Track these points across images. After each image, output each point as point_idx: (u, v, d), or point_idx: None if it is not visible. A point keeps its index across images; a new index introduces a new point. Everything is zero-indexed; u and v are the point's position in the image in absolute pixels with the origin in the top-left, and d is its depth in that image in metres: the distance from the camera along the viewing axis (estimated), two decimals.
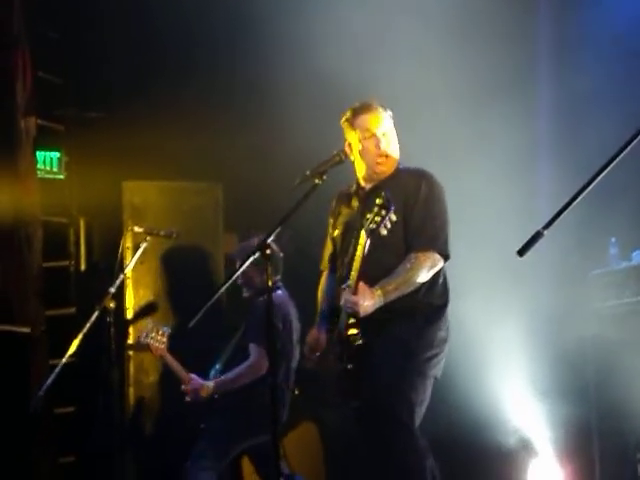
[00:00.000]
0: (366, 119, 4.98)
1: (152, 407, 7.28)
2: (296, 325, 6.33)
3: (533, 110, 7.16)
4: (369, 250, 4.55)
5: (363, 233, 4.52)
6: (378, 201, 4.46)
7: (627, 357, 5.92)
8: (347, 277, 4.71)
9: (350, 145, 5.00)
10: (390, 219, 4.45)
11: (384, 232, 4.47)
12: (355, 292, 4.61)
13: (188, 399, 6.26)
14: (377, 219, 4.44)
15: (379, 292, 4.68)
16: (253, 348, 6.18)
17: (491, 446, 6.60)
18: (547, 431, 6.59)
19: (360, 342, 4.69)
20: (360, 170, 5.04)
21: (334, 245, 5.20)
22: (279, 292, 6.27)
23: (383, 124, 4.99)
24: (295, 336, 6.31)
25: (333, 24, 6.81)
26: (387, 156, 4.97)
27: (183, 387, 6.27)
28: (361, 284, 4.61)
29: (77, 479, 7.07)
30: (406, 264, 4.77)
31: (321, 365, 4.96)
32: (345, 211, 5.17)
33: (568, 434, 6.49)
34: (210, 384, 6.24)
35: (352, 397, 4.88)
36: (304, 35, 6.79)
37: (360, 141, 4.97)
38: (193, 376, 6.28)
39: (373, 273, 4.68)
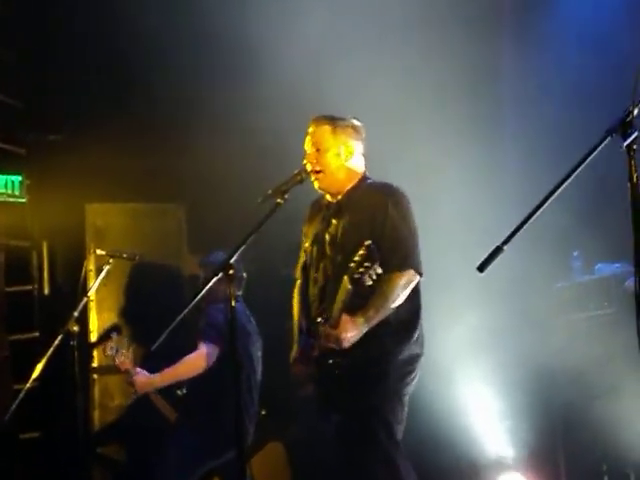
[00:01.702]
0: (348, 130, 5.02)
1: (118, 430, 7.23)
2: (256, 341, 6.32)
3: (498, 108, 7.18)
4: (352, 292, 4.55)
5: (346, 279, 4.50)
6: (362, 251, 4.43)
7: (592, 369, 5.95)
8: (325, 310, 4.72)
9: (322, 152, 4.99)
10: (375, 271, 4.43)
11: (369, 282, 4.46)
12: (336, 326, 4.61)
13: (134, 395, 6.22)
14: (361, 270, 4.41)
15: (361, 320, 4.66)
16: (199, 345, 6.16)
17: (460, 462, 6.60)
18: (514, 446, 6.60)
19: (336, 372, 4.70)
20: (326, 179, 5.03)
21: (305, 255, 5.21)
22: (237, 304, 6.20)
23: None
24: (255, 350, 6.29)
25: (291, 35, 6.82)
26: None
27: (127, 380, 6.23)
28: (344, 316, 4.60)
29: None
30: (382, 286, 4.73)
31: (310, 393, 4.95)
32: (315, 222, 5.17)
33: (535, 448, 6.50)
34: (155, 377, 6.20)
35: (331, 412, 4.88)
36: (266, 48, 6.79)
37: (339, 152, 4.99)
38: (139, 370, 6.25)
39: (356, 309, 4.69)
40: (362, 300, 4.70)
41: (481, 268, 3.23)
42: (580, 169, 3.20)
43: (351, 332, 4.63)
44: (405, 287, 4.79)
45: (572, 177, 3.21)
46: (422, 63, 6.66)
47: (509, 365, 6.54)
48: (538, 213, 3.21)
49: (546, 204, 3.21)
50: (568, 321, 6.40)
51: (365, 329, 4.67)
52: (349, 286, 4.49)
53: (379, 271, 4.43)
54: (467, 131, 6.66)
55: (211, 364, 6.09)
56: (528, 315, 6.55)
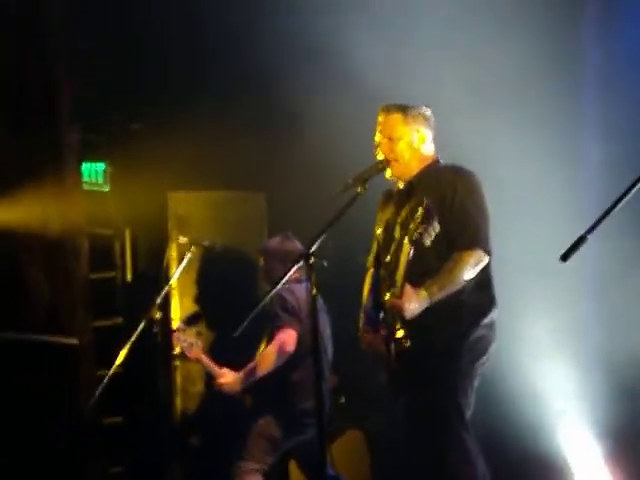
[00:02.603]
0: (419, 118, 5.01)
1: (199, 416, 7.30)
2: (324, 318, 6.32)
3: (579, 93, 7.07)
4: (413, 256, 4.55)
5: (407, 242, 4.52)
6: (420, 211, 4.46)
7: None
8: (392, 282, 4.71)
9: (395, 140, 4.99)
10: (434, 229, 4.45)
11: (428, 242, 4.48)
12: (400, 296, 4.61)
13: (224, 392, 6.25)
14: (420, 230, 4.44)
15: (424, 293, 4.67)
16: (277, 333, 6.17)
17: (537, 451, 6.54)
18: (598, 439, 6.52)
19: (407, 344, 4.68)
20: (400, 167, 5.04)
21: (378, 243, 5.22)
22: (303, 284, 6.20)
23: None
24: (324, 328, 6.29)
25: (364, 29, 6.80)
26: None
27: (216, 382, 6.27)
28: (407, 287, 4.60)
29: None
30: (450, 263, 4.77)
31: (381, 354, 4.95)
32: (387, 209, 5.19)
33: (619, 442, 6.42)
34: (240, 375, 6.22)
35: (401, 394, 4.89)
36: (342, 44, 6.79)
37: (411, 139, 4.99)
38: (225, 370, 6.28)
39: (418, 275, 4.68)
40: (425, 267, 4.69)
41: (564, 257, 3.20)
42: None
43: (414, 303, 4.62)
44: (473, 266, 4.79)
45: None
46: (499, 48, 6.59)
47: (591, 356, 6.47)
48: (624, 201, 3.17)
49: (632, 192, 3.17)
50: None
51: (427, 304, 4.67)
52: (409, 248, 4.49)
53: (437, 228, 4.45)
54: (545, 117, 6.57)
55: (293, 349, 6.10)
56: (609, 307, 6.45)
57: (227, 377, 6.23)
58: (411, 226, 4.49)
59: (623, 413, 6.28)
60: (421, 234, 4.44)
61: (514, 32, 6.51)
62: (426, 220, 4.43)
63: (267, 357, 6.13)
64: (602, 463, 6.44)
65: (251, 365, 6.19)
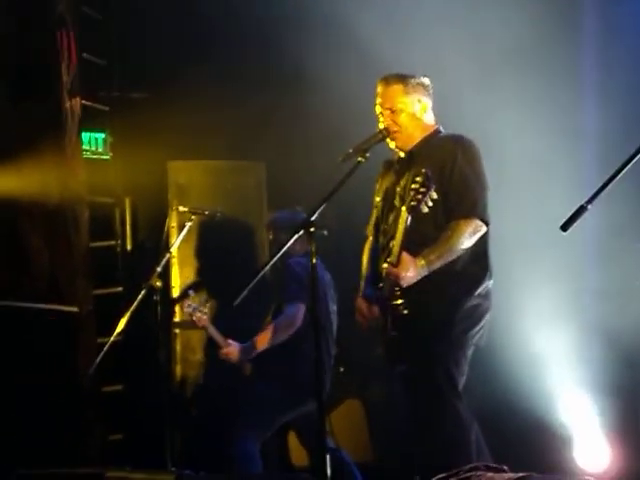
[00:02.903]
0: (419, 88, 5.01)
1: (199, 384, 7.33)
2: (331, 294, 6.33)
3: (579, 62, 7.05)
4: (411, 224, 4.56)
5: (404, 209, 4.53)
6: (419, 179, 4.47)
7: None
8: (389, 250, 4.73)
9: (397, 112, 4.99)
10: (431, 197, 4.47)
11: (425, 210, 4.50)
12: (397, 264, 4.62)
13: (229, 362, 6.26)
14: (418, 196, 4.45)
15: (422, 262, 4.70)
16: (287, 305, 6.19)
17: (537, 419, 6.56)
18: (597, 415, 6.53)
19: (405, 312, 4.70)
20: (403, 138, 5.04)
21: (377, 211, 5.23)
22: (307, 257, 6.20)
23: None
24: (331, 303, 6.31)
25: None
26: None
27: (221, 352, 6.29)
28: (404, 255, 4.63)
29: (126, 457, 7.14)
30: (447, 232, 4.79)
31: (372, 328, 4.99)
32: (387, 178, 5.21)
33: (618, 418, 6.44)
34: (247, 346, 6.25)
35: (397, 362, 4.92)
36: (341, 13, 6.76)
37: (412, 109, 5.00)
38: (231, 341, 6.30)
39: (415, 245, 4.69)
40: (422, 237, 4.71)
41: (564, 227, 3.22)
42: None
43: (411, 272, 4.65)
44: (471, 235, 4.81)
45: None
46: (499, 26, 6.57)
47: (591, 330, 6.47)
48: (624, 172, 3.18)
49: (631, 163, 3.18)
50: None
51: (425, 272, 4.70)
52: (407, 215, 4.51)
53: (435, 196, 4.47)
54: (545, 87, 6.55)
55: (301, 323, 6.12)
56: (611, 278, 6.45)
57: (232, 348, 6.25)
58: (410, 192, 4.50)
59: (622, 381, 6.29)
60: (419, 201, 4.46)
61: (515, 9, 6.51)
62: (424, 187, 4.45)
63: (276, 330, 6.16)
64: (601, 430, 6.46)
65: (258, 337, 6.21)
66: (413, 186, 4.48)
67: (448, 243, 4.77)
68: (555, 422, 6.54)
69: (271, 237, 6.50)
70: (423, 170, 4.49)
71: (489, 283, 4.97)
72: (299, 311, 6.12)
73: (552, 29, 6.59)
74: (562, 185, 6.18)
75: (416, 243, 4.68)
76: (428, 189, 4.45)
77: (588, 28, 6.92)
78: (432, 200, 4.49)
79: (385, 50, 6.33)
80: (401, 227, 4.59)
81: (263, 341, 6.18)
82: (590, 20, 6.90)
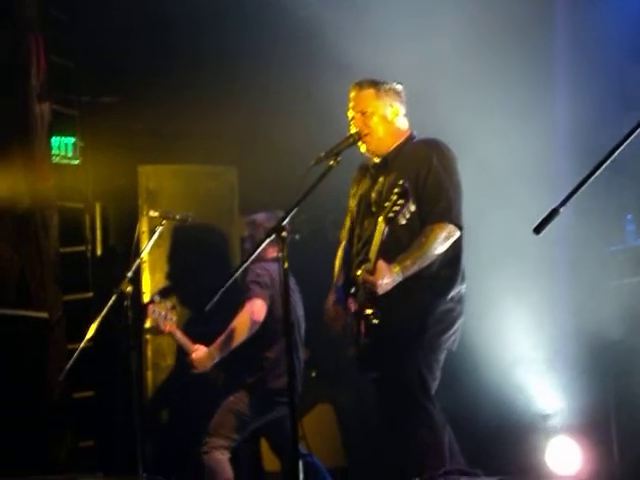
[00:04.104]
0: (391, 93, 5.03)
1: (170, 391, 7.30)
2: (296, 298, 6.33)
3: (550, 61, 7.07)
4: (387, 233, 4.57)
5: (381, 220, 4.53)
6: (397, 190, 4.47)
7: None
8: (365, 257, 4.73)
9: (368, 115, 5.00)
10: (409, 209, 4.47)
11: (402, 221, 4.50)
12: (373, 272, 4.62)
13: (195, 371, 6.25)
14: (395, 208, 4.46)
15: (397, 269, 4.70)
16: (246, 303, 6.18)
17: (509, 422, 6.58)
18: (566, 411, 6.56)
19: (376, 321, 4.70)
20: (374, 142, 5.05)
21: (351, 216, 5.23)
22: (275, 264, 6.16)
23: None
24: (298, 308, 6.32)
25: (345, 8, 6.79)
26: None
27: (190, 358, 6.26)
28: (380, 262, 4.63)
29: (96, 463, 7.10)
30: (421, 238, 4.80)
31: (340, 333, 4.99)
32: (362, 183, 5.21)
33: (587, 414, 6.46)
34: (212, 348, 6.21)
35: (370, 369, 4.92)
36: (317, 19, 6.77)
37: (384, 113, 5.01)
38: (198, 345, 6.27)
39: (391, 251, 4.69)
40: (398, 245, 4.72)
41: (537, 230, 3.22)
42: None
43: (387, 279, 4.66)
44: (445, 240, 4.83)
45: (631, 138, 3.18)
46: (471, 12, 6.59)
47: (561, 330, 6.50)
48: (596, 175, 3.19)
49: (603, 166, 3.18)
50: (621, 285, 6.33)
51: (400, 278, 4.71)
52: (384, 226, 4.52)
53: (412, 209, 4.48)
54: (515, 89, 6.58)
55: (262, 319, 6.11)
56: (580, 279, 6.49)
57: (199, 352, 6.22)
58: (387, 204, 4.50)
59: (593, 383, 6.33)
60: (396, 212, 4.46)
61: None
62: (402, 199, 4.45)
63: (237, 327, 6.14)
64: (573, 433, 6.49)
65: (222, 337, 6.18)
66: (392, 197, 4.49)
67: (422, 249, 4.78)
68: (527, 425, 6.56)
69: (247, 234, 6.46)
70: (401, 182, 4.50)
71: (462, 287, 4.98)
72: (256, 306, 6.11)
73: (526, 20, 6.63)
74: (535, 188, 6.20)
75: (391, 250, 4.69)
76: (406, 201, 4.46)
77: (558, 31, 6.97)
78: (410, 212, 4.49)
79: (359, 56, 6.34)
80: (378, 237, 4.60)
81: (225, 342, 6.15)
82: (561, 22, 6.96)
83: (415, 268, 4.75)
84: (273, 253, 6.17)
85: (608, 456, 6.24)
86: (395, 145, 5.06)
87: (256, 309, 6.13)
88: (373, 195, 5.02)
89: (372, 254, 4.64)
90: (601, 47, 6.64)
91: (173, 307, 6.44)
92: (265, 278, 6.15)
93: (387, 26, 6.78)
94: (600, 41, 6.59)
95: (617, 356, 6.19)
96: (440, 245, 4.80)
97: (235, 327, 6.15)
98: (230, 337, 6.15)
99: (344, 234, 5.32)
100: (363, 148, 5.04)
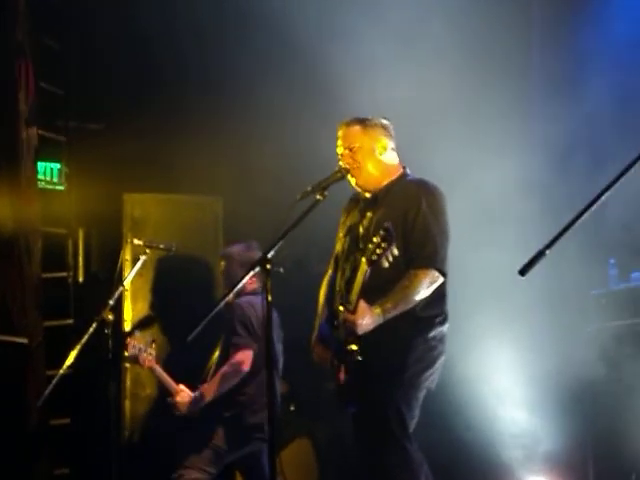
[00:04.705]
0: (377, 128, 5.05)
1: (148, 420, 7.26)
2: (278, 332, 6.32)
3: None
4: (370, 274, 4.57)
5: (364, 261, 4.52)
6: (382, 233, 4.46)
7: (627, 378, 5.91)
8: (347, 296, 4.72)
9: (356, 150, 5.02)
10: (392, 252, 4.45)
11: (385, 265, 4.48)
12: (354, 311, 4.62)
13: (177, 413, 6.23)
14: (379, 251, 4.44)
15: (378, 310, 4.70)
16: (234, 352, 6.15)
17: (489, 461, 6.58)
18: (542, 451, 6.58)
19: (360, 358, 4.69)
20: (363, 176, 5.07)
21: (339, 245, 5.24)
22: (258, 296, 6.15)
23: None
24: (277, 343, 6.28)
25: (333, 39, 6.84)
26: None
27: (169, 400, 6.23)
28: (361, 303, 4.62)
29: None
30: (405, 282, 4.79)
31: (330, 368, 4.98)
32: (352, 215, 5.22)
33: (564, 455, 6.48)
34: (198, 394, 6.19)
35: (350, 404, 4.91)
36: (307, 50, 6.81)
37: (371, 147, 5.03)
38: (182, 387, 6.25)
39: (373, 293, 4.69)
40: (381, 285, 4.72)
41: (523, 272, 3.23)
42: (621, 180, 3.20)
43: (367, 319, 4.65)
44: (428, 286, 4.83)
45: (613, 187, 3.21)
46: (451, 23, 6.66)
47: (541, 372, 6.52)
48: (582, 219, 3.20)
49: (590, 210, 3.20)
50: (603, 329, 6.36)
51: (381, 320, 4.71)
52: (366, 267, 4.52)
53: (395, 252, 4.47)
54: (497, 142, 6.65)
55: (248, 369, 6.09)
56: (562, 322, 6.52)
57: (185, 397, 6.19)
58: (370, 246, 4.48)
59: (571, 417, 6.35)
60: (379, 255, 4.45)
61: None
62: (385, 242, 4.44)
63: (226, 376, 6.11)
64: (549, 466, 6.51)
65: (209, 384, 6.16)
66: (375, 239, 4.47)
67: (404, 292, 4.78)
68: (507, 464, 6.56)
69: (223, 267, 6.44)
70: (386, 225, 4.48)
71: (444, 327, 4.98)
72: (246, 358, 6.08)
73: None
74: (522, 228, 6.26)
75: (374, 290, 4.68)
76: (390, 244, 4.44)
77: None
78: (393, 256, 4.48)
79: (348, 87, 6.38)
80: (360, 278, 4.59)
81: (211, 390, 6.13)
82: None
83: (396, 311, 4.74)
84: (253, 285, 6.18)
85: None
86: (386, 182, 5.07)
87: (246, 360, 6.08)
88: (360, 230, 5.03)
89: (354, 295, 4.63)
90: (573, 80, 6.74)
91: (153, 341, 6.39)
92: (252, 319, 6.11)
93: (378, 58, 6.84)
94: (572, 73, 6.69)
95: (596, 398, 6.21)
96: (423, 290, 4.80)
97: (224, 375, 6.12)
98: (217, 385, 6.11)
99: (332, 263, 5.33)
100: (353, 182, 5.06)
